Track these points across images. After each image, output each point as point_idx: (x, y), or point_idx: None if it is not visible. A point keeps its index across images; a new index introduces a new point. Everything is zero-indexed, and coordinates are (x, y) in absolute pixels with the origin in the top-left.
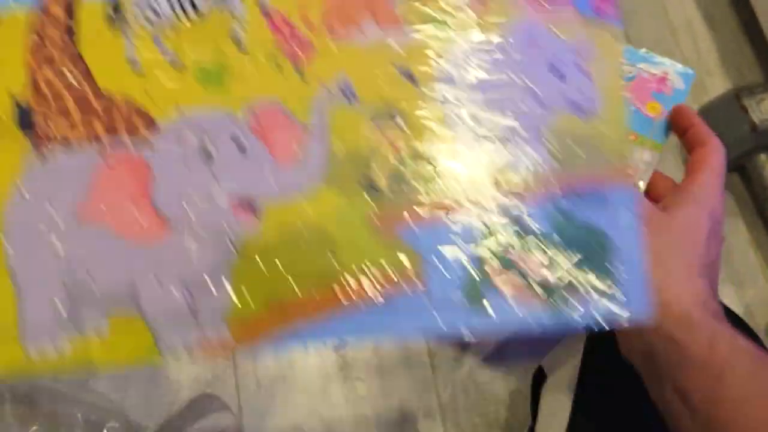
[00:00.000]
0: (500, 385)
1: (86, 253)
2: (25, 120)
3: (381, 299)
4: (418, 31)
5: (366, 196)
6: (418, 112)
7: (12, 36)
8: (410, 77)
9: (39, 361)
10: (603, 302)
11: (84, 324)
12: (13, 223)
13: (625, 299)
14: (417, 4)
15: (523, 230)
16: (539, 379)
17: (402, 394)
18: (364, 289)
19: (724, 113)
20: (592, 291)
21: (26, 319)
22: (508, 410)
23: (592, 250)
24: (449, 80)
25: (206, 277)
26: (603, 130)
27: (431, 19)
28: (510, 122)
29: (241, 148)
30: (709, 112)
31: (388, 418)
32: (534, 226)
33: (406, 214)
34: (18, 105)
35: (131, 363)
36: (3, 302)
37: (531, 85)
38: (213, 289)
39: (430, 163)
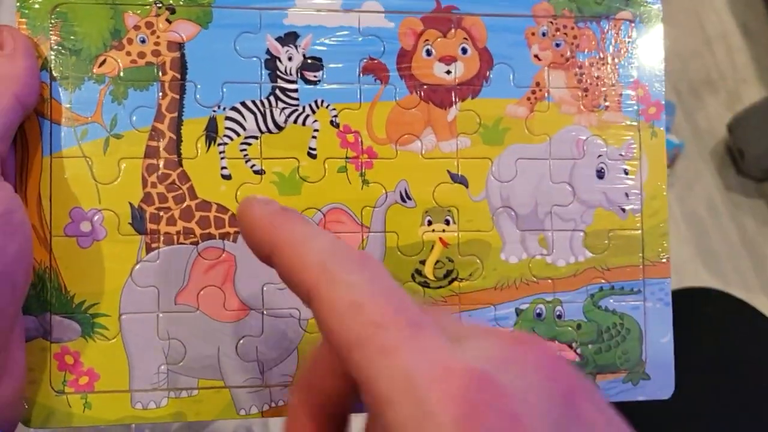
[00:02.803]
0: None
1: (182, 330)
2: (138, 222)
3: None
4: (470, 139)
5: (416, 286)
6: (467, 212)
7: (131, 151)
8: (461, 181)
9: (142, 412)
10: (628, 384)
11: (179, 386)
12: (127, 304)
13: (650, 383)
14: (470, 114)
15: (556, 317)
16: None
17: None
18: None
19: (758, 121)
20: (619, 374)
21: (134, 380)
22: None
23: (622, 338)
24: (496, 182)
25: (277, 351)
26: (642, 228)
27: (482, 128)
28: (551, 219)
29: None
30: (744, 120)
31: None
32: (568, 312)
33: (450, 302)
34: (134, 210)
35: (215, 418)
36: (118, 365)
37: (575, 186)
38: (282, 361)
39: (476, 257)
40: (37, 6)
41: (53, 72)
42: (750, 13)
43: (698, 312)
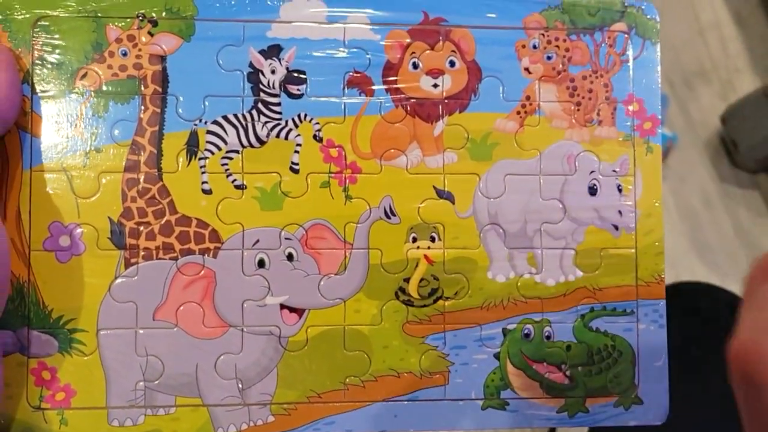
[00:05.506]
0: None
1: (160, 346)
2: (118, 237)
3: (408, 395)
4: (457, 154)
5: (400, 305)
6: (453, 229)
7: (111, 165)
8: (448, 197)
9: (119, 429)
10: (620, 409)
11: (156, 403)
12: (105, 319)
13: (642, 408)
14: (457, 128)
15: (545, 337)
16: None
17: None
18: (393, 387)
19: (752, 111)
20: (610, 398)
21: (111, 396)
22: None
23: (614, 360)
24: (484, 199)
25: (256, 369)
26: (636, 247)
27: (470, 143)
28: (541, 236)
29: (292, 261)
30: (737, 111)
31: None
32: (557, 333)
33: (435, 321)
34: (113, 224)
35: None
36: (95, 381)
37: (566, 203)
38: (261, 380)
39: (462, 276)
40: (20, 18)
41: (35, 85)
42: (743, 2)
43: (692, 306)
